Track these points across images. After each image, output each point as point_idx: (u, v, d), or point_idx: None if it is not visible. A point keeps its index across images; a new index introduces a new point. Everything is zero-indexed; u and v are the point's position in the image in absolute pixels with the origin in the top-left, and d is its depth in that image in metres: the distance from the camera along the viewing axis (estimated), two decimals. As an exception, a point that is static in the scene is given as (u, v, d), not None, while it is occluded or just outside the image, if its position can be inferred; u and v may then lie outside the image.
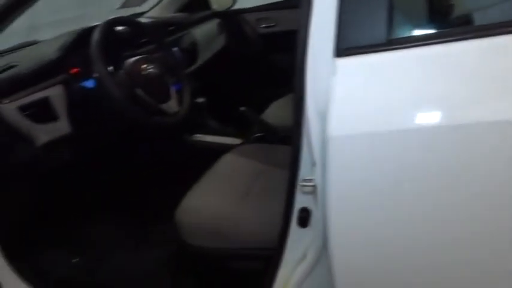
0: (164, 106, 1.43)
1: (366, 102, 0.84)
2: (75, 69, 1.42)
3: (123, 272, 1.59)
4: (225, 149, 1.65)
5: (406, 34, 0.97)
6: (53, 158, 1.31)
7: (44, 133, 1.25)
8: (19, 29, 1.45)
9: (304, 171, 0.95)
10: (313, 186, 0.92)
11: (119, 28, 1.54)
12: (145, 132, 1.48)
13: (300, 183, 0.95)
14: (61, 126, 1.30)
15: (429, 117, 0.82)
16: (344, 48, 0.87)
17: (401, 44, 0.86)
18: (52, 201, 1.51)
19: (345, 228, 0.92)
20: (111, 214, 1.76)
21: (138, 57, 1.43)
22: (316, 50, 0.86)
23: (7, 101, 1.18)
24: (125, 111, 1.28)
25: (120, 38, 1.50)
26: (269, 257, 1.12)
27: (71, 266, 1.61)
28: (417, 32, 0.99)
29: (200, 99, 1.92)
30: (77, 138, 1.34)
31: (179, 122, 1.48)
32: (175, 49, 1.91)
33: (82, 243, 1.66)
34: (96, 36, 1.30)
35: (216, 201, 1.34)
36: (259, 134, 1.82)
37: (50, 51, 1.35)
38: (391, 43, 0.86)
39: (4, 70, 1.26)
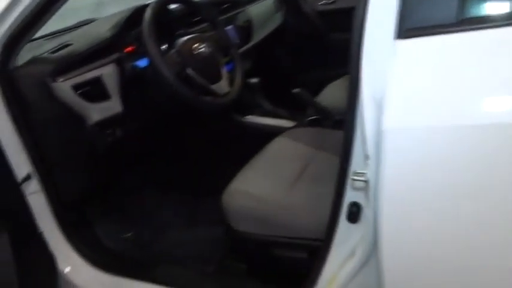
0: (215, 87, 1.40)
1: (429, 91, 0.75)
2: (129, 48, 1.42)
3: (173, 249, 1.62)
4: (277, 131, 1.60)
5: (482, 13, 0.85)
6: (105, 135, 1.33)
7: (96, 112, 1.27)
8: (87, 4, 1.48)
9: (356, 164, 0.88)
10: (365, 181, 0.85)
11: (172, 6, 1.52)
12: (196, 111, 1.46)
13: (351, 176, 0.89)
14: (113, 105, 1.31)
15: (503, 113, 0.71)
16: (407, 28, 0.77)
17: (475, 25, 0.75)
18: (105, 177, 1.55)
19: (397, 226, 0.84)
20: (163, 191, 1.79)
21: (190, 36, 1.40)
22: (375, 30, 0.77)
23: (61, 80, 1.20)
24: (175, 91, 1.27)
25: (174, 16, 1.48)
26: (316, 248, 1.07)
27: (123, 240, 1.67)
28: (494, 11, 0.87)
29: (253, 80, 1.86)
30: (128, 117, 1.35)
31: (229, 103, 1.44)
32: (229, 27, 1.87)
33: (135, 219, 1.70)
34: (148, 14, 1.28)
35: (264, 186, 1.31)
36: (313, 117, 1.75)
37: (103, 30, 1.35)
38: (463, 23, 0.75)
39: (59, 49, 1.28)
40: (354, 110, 0.83)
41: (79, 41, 1.32)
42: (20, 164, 1.25)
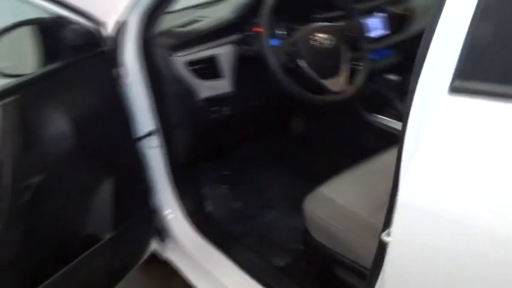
0: (328, 82, 1.32)
1: (452, 171, 0.62)
2: (258, 28, 1.43)
3: (262, 231, 1.65)
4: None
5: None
6: (210, 111, 1.40)
7: (206, 89, 1.34)
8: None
9: None
10: None
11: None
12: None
13: None
14: (223, 85, 1.36)
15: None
16: (460, 84, 0.60)
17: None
18: (212, 147, 1.65)
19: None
20: (271, 172, 1.82)
21: (314, 24, 1.33)
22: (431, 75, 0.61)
23: (180, 55, 1.30)
24: (278, 80, 1.24)
25: (307, 1, 1.42)
26: None
27: (228, 207, 1.78)
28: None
29: (393, 77, 1.68)
30: (237, 97, 1.39)
31: (346, 100, 1.35)
32: (380, 15, 1.70)
33: (238, 192, 1.79)
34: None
35: (351, 199, 1.21)
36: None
37: (230, 10, 1.39)
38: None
39: (188, 24, 1.37)
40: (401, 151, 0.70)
41: (207, 18, 1.39)
42: (145, 121, 1.42)
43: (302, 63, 1.27)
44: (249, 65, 1.36)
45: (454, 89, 0.59)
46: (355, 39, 1.41)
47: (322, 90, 1.31)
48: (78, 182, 1.20)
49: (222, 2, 1.59)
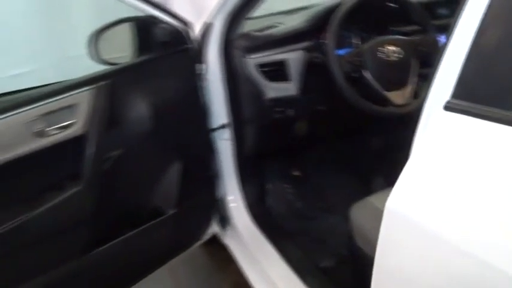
0: (390, 94, 1.34)
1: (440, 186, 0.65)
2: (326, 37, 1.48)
3: (327, 233, 1.70)
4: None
5: None
6: (273, 111, 1.49)
7: (272, 90, 1.44)
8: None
9: None
10: None
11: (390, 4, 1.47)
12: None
13: None
14: (289, 88, 1.44)
15: None
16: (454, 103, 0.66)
17: None
18: (276, 145, 1.74)
19: None
20: (335, 173, 1.86)
21: (384, 37, 1.35)
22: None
23: (253, 57, 1.41)
24: (340, 88, 1.29)
25: (386, 12, 1.44)
26: None
27: (288, 205, 1.86)
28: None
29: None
30: (302, 101, 1.46)
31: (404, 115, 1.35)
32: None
33: (299, 190, 1.85)
34: (343, 9, 1.31)
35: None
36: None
37: (306, 18, 1.46)
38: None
39: (265, 29, 1.48)
40: None
41: (283, 24, 1.48)
42: (219, 114, 1.57)
43: (366, 74, 1.31)
44: (316, 72, 1.43)
45: (448, 107, 0.64)
46: (428, 55, 1.40)
47: (384, 101, 1.33)
48: (151, 160, 1.37)
49: (300, 11, 1.67)
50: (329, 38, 1.30)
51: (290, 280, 1.47)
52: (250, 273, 1.60)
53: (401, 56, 1.33)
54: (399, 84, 1.35)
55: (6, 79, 2.48)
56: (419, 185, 0.69)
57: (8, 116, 1.05)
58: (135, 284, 1.45)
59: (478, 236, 0.59)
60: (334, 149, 1.89)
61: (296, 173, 1.92)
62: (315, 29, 1.45)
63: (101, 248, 1.27)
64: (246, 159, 1.66)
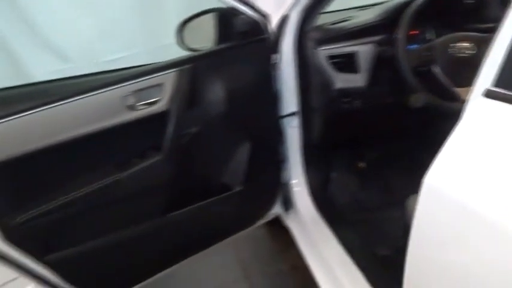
0: (460, 90, 1.33)
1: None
2: (414, 31, 1.50)
3: (387, 224, 1.72)
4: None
5: None
6: (341, 102, 1.54)
7: (341, 81, 1.49)
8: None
9: None
10: None
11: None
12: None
13: None
14: (357, 79, 1.48)
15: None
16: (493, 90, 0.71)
17: None
18: (343, 136, 1.79)
19: None
20: (403, 173, 1.85)
21: (459, 33, 1.34)
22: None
23: (324, 48, 1.48)
24: (407, 82, 1.31)
25: (458, 9, 1.42)
26: None
27: (351, 195, 1.90)
28: None
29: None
30: (370, 93, 1.50)
31: None
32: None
33: (369, 183, 1.88)
34: (416, 4, 1.33)
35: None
36: None
37: (379, 12, 1.49)
38: None
39: (339, 22, 1.53)
40: None
41: (356, 18, 1.52)
42: (290, 103, 1.66)
43: (435, 69, 1.31)
44: (385, 65, 1.46)
45: (488, 94, 0.68)
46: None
47: (452, 97, 1.33)
48: (223, 140, 1.50)
49: (374, 7, 1.70)
50: (400, 33, 1.33)
51: (347, 266, 1.53)
52: (308, 256, 1.68)
53: (474, 52, 1.32)
54: (469, 80, 1.33)
55: (106, 63, 2.81)
56: (457, 164, 0.74)
57: (108, 90, 1.23)
58: (200, 251, 1.60)
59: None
60: (398, 143, 1.89)
61: (361, 165, 1.96)
62: (387, 23, 1.48)
63: (173, 213, 1.44)
64: (312, 147, 1.74)
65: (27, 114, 1.13)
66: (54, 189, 1.22)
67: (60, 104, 1.17)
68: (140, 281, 1.47)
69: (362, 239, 1.61)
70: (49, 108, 1.16)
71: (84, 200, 1.25)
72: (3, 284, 1.19)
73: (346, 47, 1.49)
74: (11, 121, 1.11)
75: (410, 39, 1.38)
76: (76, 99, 1.20)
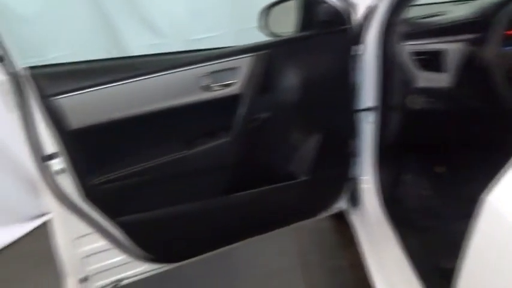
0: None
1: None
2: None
3: (459, 234, 1.62)
4: None
5: None
6: (425, 101, 1.44)
7: (424, 80, 1.40)
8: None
9: None
10: None
11: None
12: None
13: None
14: (443, 79, 1.38)
15: None
16: None
17: None
18: (421, 138, 1.68)
19: None
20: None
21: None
22: None
23: (409, 43, 1.39)
24: (497, 84, 1.20)
25: None
26: None
27: (423, 200, 1.80)
28: None
29: None
30: (454, 94, 1.39)
31: None
32: None
33: (445, 190, 1.77)
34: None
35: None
36: None
37: (472, 9, 1.37)
38: None
39: (427, 17, 1.43)
40: None
41: (448, 13, 1.41)
42: (367, 97, 1.61)
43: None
44: (475, 67, 1.35)
45: None
46: None
47: None
48: (293, 128, 1.50)
49: (471, 2, 1.56)
50: (496, 32, 1.22)
51: (406, 273, 1.46)
52: (368, 256, 1.64)
53: None
54: None
55: (195, 41, 2.94)
56: None
57: (186, 70, 1.29)
58: (259, 234, 1.64)
59: None
60: (481, 150, 1.74)
61: (438, 169, 1.84)
62: (483, 20, 1.36)
63: (238, 194, 1.48)
64: (386, 145, 1.67)
65: (116, 85, 1.23)
66: (130, 157, 1.32)
67: (144, 79, 1.26)
68: (198, 254, 1.54)
69: (427, 247, 1.53)
70: (134, 81, 1.24)
71: (155, 170, 1.33)
72: (79, 237, 1.33)
73: (435, 44, 1.39)
74: (103, 90, 1.22)
75: (507, 40, 1.26)
76: (158, 75, 1.27)
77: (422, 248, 1.52)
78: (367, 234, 1.70)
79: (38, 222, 2.75)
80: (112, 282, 1.44)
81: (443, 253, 1.52)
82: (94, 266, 1.39)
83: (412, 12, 1.51)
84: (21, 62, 1.17)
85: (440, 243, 1.56)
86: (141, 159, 1.32)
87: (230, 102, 1.35)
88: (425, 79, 1.42)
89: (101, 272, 1.40)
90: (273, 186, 1.52)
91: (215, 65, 1.31)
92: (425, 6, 1.62)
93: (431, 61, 1.41)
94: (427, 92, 1.43)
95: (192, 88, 1.30)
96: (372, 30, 1.53)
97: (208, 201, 1.44)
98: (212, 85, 1.32)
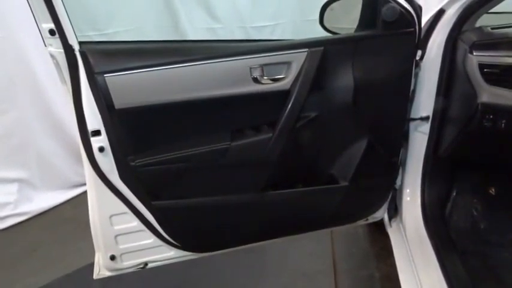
0: None
1: None
2: None
3: (502, 274, 1.51)
4: None
5: None
6: (486, 118, 1.33)
7: (490, 95, 1.29)
8: None
9: None
10: None
11: None
12: None
13: None
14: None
15: None
16: None
17: None
18: (477, 156, 1.57)
19: None
20: None
21: None
22: None
23: (478, 54, 1.28)
24: None
25: None
26: None
27: (471, 222, 1.69)
28: None
29: None
30: None
31: None
32: None
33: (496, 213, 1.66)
34: None
35: None
36: None
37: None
38: None
39: (505, 27, 1.31)
40: None
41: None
42: (423, 106, 1.51)
43: None
44: None
45: None
46: None
47: None
48: (340, 131, 1.44)
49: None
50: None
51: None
52: (402, 272, 1.56)
53: None
54: None
55: (252, 28, 2.91)
56: None
57: (237, 60, 1.26)
58: (294, 234, 1.60)
59: None
60: None
61: (492, 191, 1.71)
62: None
63: (275, 192, 1.44)
64: (438, 159, 1.57)
65: (167, 68, 1.22)
66: (172, 143, 1.31)
67: (195, 65, 1.23)
68: (228, 247, 1.53)
69: (471, 274, 1.42)
70: (185, 66, 1.23)
71: (196, 158, 1.32)
72: (113, 215, 1.34)
73: (508, 57, 1.27)
74: (153, 72, 1.21)
75: None
76: (209, 62, 1.24)
77: (466, 275, 1.42)
78: (405, 249, 1.62)
79: (79, 190, 2.86)
80: (140, 263, 1.45)
81: (490, 284, 1.42)
82: (125, 246, 1.40)
83: (483, 21, 1.40)
84: (82, 34, 1.18)
85: (488, 272, 1.46)
86: (183, 146, 1.31)
87: (278, 97, 1.31)
88: (494, 94, 1.31)
89: (130, 252, 1.42)
90: (313, 188, 1.46)
91: (267, 57, 1.27)
92: (501, 14, 1.49)
93: (502, 75, 1.29)
94: (493, 108, 1.32)
95: (242, 79, 1.27)
96: (437, 35, 1.43)
97: (244, 196, 1.41)
98: (262, 78, 1.28)
